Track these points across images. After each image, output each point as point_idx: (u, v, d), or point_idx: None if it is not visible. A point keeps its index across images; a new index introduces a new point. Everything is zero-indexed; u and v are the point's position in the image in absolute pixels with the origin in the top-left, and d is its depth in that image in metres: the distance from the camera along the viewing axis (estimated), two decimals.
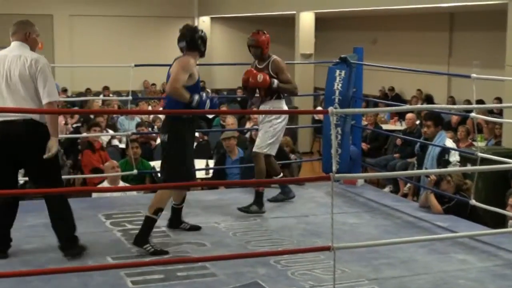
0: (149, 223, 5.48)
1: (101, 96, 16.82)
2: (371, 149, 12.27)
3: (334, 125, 4.30)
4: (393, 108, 10.61)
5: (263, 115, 6.87)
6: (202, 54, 5.83)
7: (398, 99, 17.21)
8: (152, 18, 20.17)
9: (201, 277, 4.93)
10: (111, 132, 11.70)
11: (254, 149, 6.81)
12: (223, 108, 15.21)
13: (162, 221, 6.25)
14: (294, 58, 16.55)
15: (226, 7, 19.68)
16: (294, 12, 16.51)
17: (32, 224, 6.20)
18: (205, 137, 11.84)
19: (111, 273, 4.90)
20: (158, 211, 5.50)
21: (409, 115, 11.64)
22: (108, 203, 6.97)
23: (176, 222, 6.13)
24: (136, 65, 7.91)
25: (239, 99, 17.84)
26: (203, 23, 20.76)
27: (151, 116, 13.17)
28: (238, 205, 6.96)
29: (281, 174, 7.04)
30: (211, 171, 9.21)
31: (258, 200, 6.69)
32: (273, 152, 6.82)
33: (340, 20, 19.93)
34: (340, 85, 7.72)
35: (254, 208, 6.63)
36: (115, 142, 11.44)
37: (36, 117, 5.07)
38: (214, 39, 20.94)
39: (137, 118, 12.87)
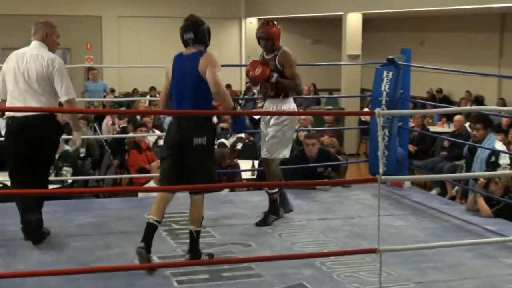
0: (198, 236, 5.24)
1: (148, 97, 16.95)
2: (418, 151, 12.14)
3: (381, 127, 4.27)
4: (441, 109, 10.50)
5: (269, 116, 6.33)
6: (206, 48, 5.36)
7: (447, 100, 17.01)
8: None
9: (246, 277, 4.93)
10: (157, 132, 11.77)
11: (264, 155, 6.32)
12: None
13: (206, 222, 6.27)
14: (341, 59, 16.49)
15: (273, 8, 19.66)
16: (341, 13, 16.44)
17: (80, 223, 6.27)
18: (251, 138, 11.84)
19: (156, 272, 4.93)
20: (201, 221, 5.26)
21: (457, 117, 11.49)
22: None
23: (147, 245, 5.06)
24: None
25: None
26: (250, 24, 20.79)
27: None
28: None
29: (276, 189, 6.42)
30: (256, 172, 9.21)
31: (273, 207, 6.31)
32: (286, 155, 6.42)
33: (387, 21, 19.79)
34: (387, 86, 7.65)
35: (271, 218, 6.27)
36: (162, 142, 11.50)
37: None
38: None
39: None
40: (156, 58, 18.88)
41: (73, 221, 6.31)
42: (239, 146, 11.13)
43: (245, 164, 9.64)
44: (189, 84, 5.18)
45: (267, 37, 6.26)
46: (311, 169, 7.78)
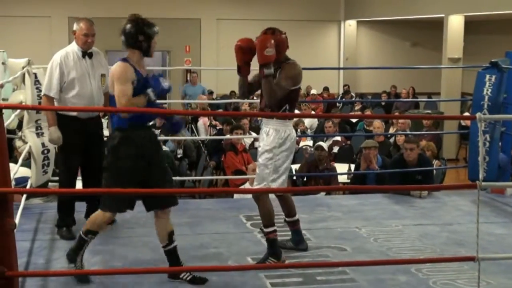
0: (80, 241, 4.83)
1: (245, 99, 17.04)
2: None
3: (482, 132, 4.14)
4: None
5: (262, 139, 5.39)
6: (145, 53, 4.76)
7: None
8: (298, 22, 20.24)
9: (341, 282, 4.88)
10: (254, 134, 11.83)
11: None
12: (367, 112, 15.04)
13: (301, 224, 6.26)
14: (441, 62, 16.20)
15: (373, 10, 19.49)
16: (443, 15, 16.14)
17: (176, 223, 6.29)
18: (348, 142, 11.76)
19: (250, 274, 4.95)
20: (88, 233, 4.76)
21: None
22: (249, 205, 6.99)
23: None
24: None
25: (383, 103, 17.61)
26: (349, 26, 20.67)
27: (294, 119, 13.22)
28: (380, 210, 6.88)
29: (297, 216, 5.59)
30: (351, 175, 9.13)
31: (273, 250, 5.23)
32: (282, 184, 5.31)
33: (491, 23, 19.27)
34: (489, 90, 7.44)
35: (271, 261, 5.18)
36: (258, 144, 11.54)
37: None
38: (360, 43, 20.82)
39: None
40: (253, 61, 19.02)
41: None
42: (336, 149, 11.06)
43: (341, 168, 9.57)
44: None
45: None
46: (409, 174, 7.62)
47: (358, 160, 9.33)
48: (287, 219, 5.58)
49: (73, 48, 5.86)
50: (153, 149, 4.77)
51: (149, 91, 4.67)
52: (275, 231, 5.22)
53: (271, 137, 5.25)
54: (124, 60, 4.71)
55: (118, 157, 4.64)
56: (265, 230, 5.25)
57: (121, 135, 4.66)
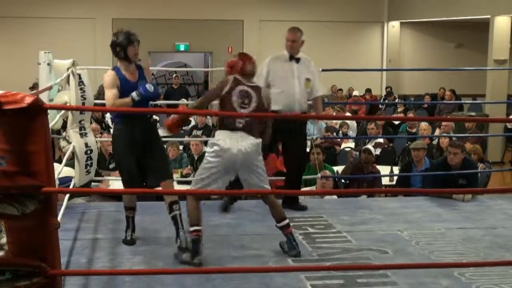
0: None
1: None
2: None
3: None
4: None
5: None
6: (127, 60, 5.49)
7: None
8: (341, 23, 20.18)
9: (382, 285, 4.84)
10: None
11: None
12: (410, 115, 14.92)
13: (342, 226, 6.23)
14: (485, 63, 16.02)
15: (417, 11, 19.34)
16: (489, 16, 15.95)
17: (217, 224, 6.36)
18: (391, 144, 11.68)
19: (291, 275, 4.94)
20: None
21: None
22: None
23: None
24: (323, 70, 7.91)
25: (425, 105, 17.46)
26: (393, 28, 20.55)
27: (339, 121, 13.18)
28: (422, 213, 6.82)
29: (287, 221, 5.48)
30: (395, 178, 9.07)
31: (193, 247, 5.21)
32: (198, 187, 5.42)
33: None
34: None
35: (184, 257, 5.21)
36: None
37: None
38: (403, 44, 20.68)
39: (323, 123, 12.92)
40: None
41: (211, 221, 6.41)
42: (378, 151, 11.00)
43: (383, 170, 9.51)
44: None
45: None
46: (451, 178, 7.52)
47: (402, 162, 9.27)
48: (277, 224, 5.52)
49: (284, 52, 6.82)
50: (145, 136, 5.50)
51: (133, 94, 5.36)
52: (197, 231, 5.22)
53: None
54: (113, 68, 5.53)
55: (116, 144, 5.58)
56: (190, 228, 5.26)
57: (116, 128, 5.65)
